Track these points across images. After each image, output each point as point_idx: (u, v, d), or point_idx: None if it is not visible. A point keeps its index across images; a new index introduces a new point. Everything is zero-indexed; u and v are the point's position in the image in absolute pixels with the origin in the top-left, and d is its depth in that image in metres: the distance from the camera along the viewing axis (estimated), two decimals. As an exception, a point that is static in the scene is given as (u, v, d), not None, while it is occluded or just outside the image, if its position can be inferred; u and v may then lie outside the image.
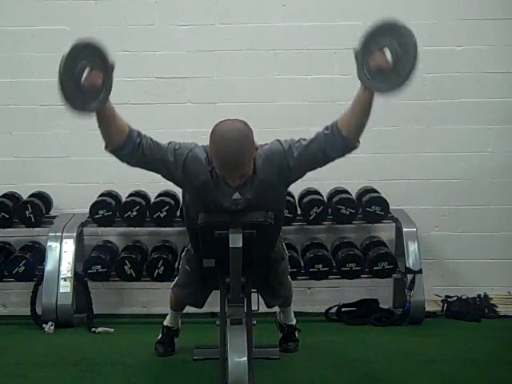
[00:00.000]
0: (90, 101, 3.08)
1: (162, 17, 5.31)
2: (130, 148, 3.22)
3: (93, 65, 3.08)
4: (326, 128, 3.27)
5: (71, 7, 5.29)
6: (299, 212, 5.02)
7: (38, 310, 4.84)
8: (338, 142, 3.24)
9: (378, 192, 5.17)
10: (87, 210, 5.04)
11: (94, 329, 4.69)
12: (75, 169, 5.35)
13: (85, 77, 3.06)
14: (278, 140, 3.33)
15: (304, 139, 3.31)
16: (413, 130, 5.36)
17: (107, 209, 5.01)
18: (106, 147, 3.24)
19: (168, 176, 3.29)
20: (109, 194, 5.17)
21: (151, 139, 3.28)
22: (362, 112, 3.22)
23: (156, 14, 5.31)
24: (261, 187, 3.23)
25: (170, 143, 3.30)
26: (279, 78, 5.34)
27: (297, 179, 3.34)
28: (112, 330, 4.72)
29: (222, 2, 5.33)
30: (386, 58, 3.10)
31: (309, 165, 3.27)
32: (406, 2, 5.33)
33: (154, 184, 5.23)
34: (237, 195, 3.22)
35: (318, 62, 5.33)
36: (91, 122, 5.35)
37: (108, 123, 3.18)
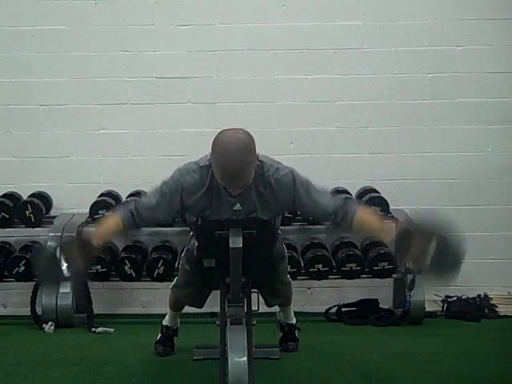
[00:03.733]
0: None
1: (161, 17, 5.31)
2: (133, 229, 3.41)
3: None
4: (344, 205, 3.28)
5: (71, 7, 5.29)
6: (299, 212, 5.02)
7: (38, 310, 4.84)
8: (342, 225, 3.32)
9: (378, 192, 5.16)
10: (87, 210, 5.04)
11: (93, 329, 4.69)
12: (75, 169, 5.35)
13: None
14: (292, 173, 3.30)
15: (317, 191, 3.31)
16: (413, 130, 5.36)
17: (107, 209, 4.99)
18: None
19: (172, 217, 3.40)
20: (109, 193, 5.17)
21: (143, 206, 3.36)
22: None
23: (156, 14, 5.31)
24: (261, 203, 3.26)
25: (161, 189, 3.34)
26: (279, 77, 5.33)
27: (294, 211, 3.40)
28: (112, 329, 4.72)
29: (222, 2, 5.32)
30: (426, 257, 3.00)
31: (309, 213, 3.38)
32: (406, 2, 5.33)
33: (153, 184, 5.24)
34: (238, 206, 3.24)
35: (318, 62, 5.32)
36: (91, 122, 5.40)
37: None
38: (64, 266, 3.14)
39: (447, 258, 2.99)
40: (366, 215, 3.31)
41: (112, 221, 3.39)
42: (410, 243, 3.01)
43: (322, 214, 3.31)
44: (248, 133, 3.13)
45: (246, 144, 3.08)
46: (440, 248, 2.99)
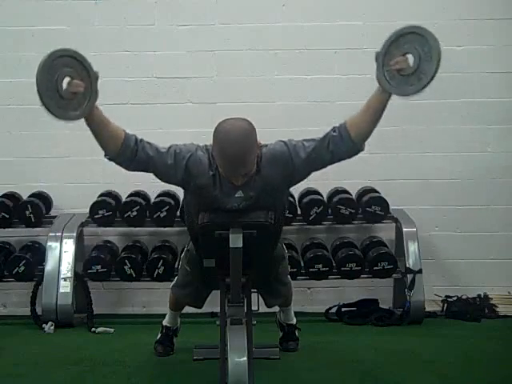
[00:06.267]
0: (72, 109, 3.12)
1: (162, 17, 5.31)
2: (127, 155, 3.26)
3: (73, 74, 3.10)
4: (334, 130, 3.28)
5: (71, 7, 5.29)
6: (299, 212, 5.02)
7: (38, 310, 4.84)
8: (345, 144, 3.26)
9: (378, 192, 5.16)
10: (87, 210, 5.04)
11: (93, 329, 4.69)
12: (75, 169, 5.35)
13: (65, 86, 3.07)
14: (281, 141, 3.33)
15: (307, 140, 3.29)
16: (413, 130, 5.36)
17: (107, 209, 5.01)
18: (105, 155, 3.29)
19: (167, 179, 3.31)
20: (109, 193, 5.17)
21: (149, 144, 3.29)
22: (374, 115, 3.24)
23: (156, 14, 5.31)
24: (264, 186, 3.24)
25: (170, 147, 3.30)
26: (279, 77, 5.34)
27: (300, 180, 3.34)
28: (112, 330, 4.72)
29: (222, 2, 5.33)
30: (408, 62, 3.14)
31: (315, 165, 3.29)
32: (406, 2, 5.33)
33: (154, 184, 5.20)
34: (240, 193, 3.23)
35: (318, 62, 5.33)
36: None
37: (98, 131, 3.22)
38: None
39: (429, 64, 3.09)
40: (353, 117, 3.26)
41: (118, 129, 3.25)
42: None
43: (321, 153, 3.27)
44: (249, 121, 3.14)
45: (247, 131, 3.09)
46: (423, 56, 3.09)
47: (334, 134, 3.26)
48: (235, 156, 3.04)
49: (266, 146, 3.31)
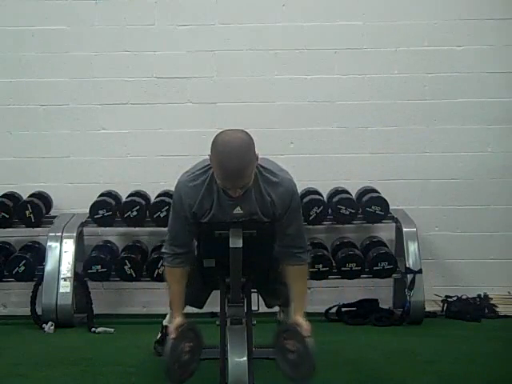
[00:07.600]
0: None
1: (162, 17, 5.31)
2: (190, 260, 3.50)
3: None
4: (299, 250, 3.37)
5: (71, 7, 5.29)
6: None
7: (38, 310, 4.84)
8: (280, 259, 3.42)
9: (378, 192, 5.16)
10: (87, 210, 5.04)
11: (93, 329, 4.69)
12: (75, 169, 5.35)
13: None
14: (293, 188, 3.30)
15: (300, 218, 3.39)
16: (413, 130, 5.36)
17: (107, 209, 5.01)
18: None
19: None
20: (109, 193, 5.17)
21: (176, 235, 3.46)
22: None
23: (156, 14, 5.31)
24: (262, 210, 3.25)
25: (172, 211, 3.41)
26: (279, 77, 5.34)
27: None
28: (112, 329, 4.72)
29: (222, 2, 5.33)
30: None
31: (277, 230, 3.33)
32: (406, 2, 5.33)
33: (154, 184, 5.25)
34: (238, 209, 3.23)
35: (318, 62, 5.33)
36: (91, 122, 5.40)
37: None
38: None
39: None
40: (298, 274, 3.39)
41: (173, 282, 3.54)
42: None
43: (283, 237, 3.33)
44: (247, 133, 3.14)
45: (245, 142, 3.08)
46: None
47: (293, 250, 3.36)
48: (234, 169, 3.03)
49: (276, 174, 3.28)
